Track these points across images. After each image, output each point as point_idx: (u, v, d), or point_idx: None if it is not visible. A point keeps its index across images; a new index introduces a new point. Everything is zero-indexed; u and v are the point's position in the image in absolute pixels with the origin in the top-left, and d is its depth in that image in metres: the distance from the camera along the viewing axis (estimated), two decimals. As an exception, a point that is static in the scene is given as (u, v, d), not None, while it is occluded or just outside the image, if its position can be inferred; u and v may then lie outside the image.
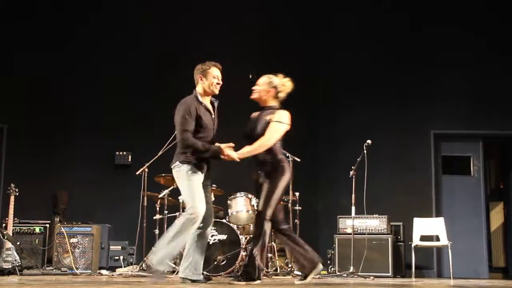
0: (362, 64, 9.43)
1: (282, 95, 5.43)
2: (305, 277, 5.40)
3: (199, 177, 5.25)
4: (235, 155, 5.21)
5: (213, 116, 5.37)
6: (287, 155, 7.25)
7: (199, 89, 5.36)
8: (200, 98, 5.31)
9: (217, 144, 5.28)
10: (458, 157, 9.61)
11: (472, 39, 9.35)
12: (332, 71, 9.49)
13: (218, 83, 5.35)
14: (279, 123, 5.27)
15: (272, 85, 5.39)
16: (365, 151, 7.29)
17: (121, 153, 9.40)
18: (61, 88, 9.42)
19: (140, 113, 9.30)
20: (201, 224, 5.25)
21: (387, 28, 9.51)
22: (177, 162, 5.25)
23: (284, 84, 5.42)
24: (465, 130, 9.39)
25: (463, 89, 9.31)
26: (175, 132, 5.32)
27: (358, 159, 7.30)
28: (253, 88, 5.45)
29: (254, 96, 5.44)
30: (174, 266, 6.99)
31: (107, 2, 9.77)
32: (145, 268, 7.15)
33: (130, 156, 9.38)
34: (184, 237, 5.14)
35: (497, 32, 9.37)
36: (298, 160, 7.37)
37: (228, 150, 5.22)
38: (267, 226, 5.20)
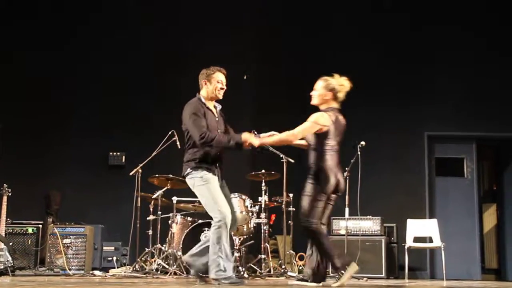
0: (357, 66, 9.40)
1: (341, 95, 5.35)
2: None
3: (215, 179, 5.21)
4: (256, 142, 5.12)
5: (217, 119, 5.35)
6: (281, 156, 7.27)
7: (203, 93, 5.36)
8: (203, 101, 5.31)
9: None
10: (452, 158, 9.63)
11: (469, 41, 9.37)
12: (328, 71, 9.47)
13: (222, 88, 5.35)
14: (310, 122, 5.16)
15: (330, 88, 5.32)
16: (358, 153, 7.30)
17: (115, 153, 9.38)
18: (56, 88, 9.40)
19: (135, 113, 9.29)
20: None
21: (383, 30, 9.51)
22: (189, 170, 5.21)
23: (342, 84, 5.36)
24: (459, 132, 9.41)
25: (457, 91, 9.33)
26: (187, 136, 5.25)
27: (352, 161, 7.31)
28: (311, 93, 5.39)
29: (313, 101, 5.37)
30: (167, 266, 6.99)
31: (107, 2, 9.75)
32: (138, 269, 7.14)
33: (124, 157, 9.37)
34: (224, 242, 5.09)
35: (494, 33, 9.38)
36: (292, 161, 7.37)
37: (249, 137, 5.10)
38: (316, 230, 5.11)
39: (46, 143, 9.27)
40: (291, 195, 7.58)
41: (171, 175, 7.39)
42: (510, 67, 9.30)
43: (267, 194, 7.37)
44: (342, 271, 5.10)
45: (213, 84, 5.32)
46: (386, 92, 9.39)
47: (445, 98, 9.32)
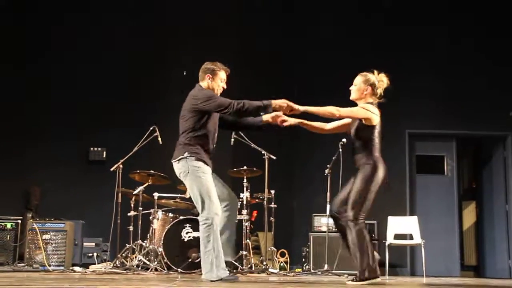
0: (337, 64, 9.45)
1: (380, 91, 5.39)
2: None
3: (209, 171, 5.17)
4: (299, 108, 5.18)
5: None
6: (263, 152, 7.27)
7: (204, 85, 5.36)
8: None
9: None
10: (432, 156, 9.72)
11: (452, 40, 9.46)
12: (307, 70, 9.51)
13: (223, 87, 5.41)
14: (359, 108, 5.24)
15: (369, 83, 5.36)
16: (340, 150, 7.32)
17: (95, 149, 9.32)
18: (35, 84, 9.31)
19: (115, 109, 9.23)
20: (228, 211, 5.31)
21: (362, 28, 9.56)
22: (185, 154, 5.11)
23: (381, 79, 5.39)
24: (439, 130, 9.50)
25: (438, 90, 9.40)
26: (188, 122, 5.19)
27: (333, 158, 7.33)
28: (350, 88, 5.41)
29: (352, 96, 5.40)
30: (148, 263, 6.97)
31: (81, 2, 9.66)
32: (118, 265, 7.11)
33: (104, 152, 9.31)
34: (215, 241, 5.05)
35: (476, 32, 9.47)
36: (274, 158, 7.37)
37: (285, 102, 5.12)
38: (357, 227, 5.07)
39: (26, 139, 9.17)
40: (272, 191, 7.58)
41: (152, 171, 7.36)
42: (492, 66, 9.39)
43: (248, 190, 7.36)
44: (366, 276, 5.05)
45: (217, 82, 5.35)
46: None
47: (426, 96, 9.39)
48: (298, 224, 9.08)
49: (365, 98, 5.38)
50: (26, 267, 7.42)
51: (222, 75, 5.38)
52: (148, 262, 6.99)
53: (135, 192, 7.42)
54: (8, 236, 7.85)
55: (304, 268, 8.01)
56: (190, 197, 7.43)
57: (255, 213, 7.83)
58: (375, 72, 5.42)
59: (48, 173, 9.04)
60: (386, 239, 8.06)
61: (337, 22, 9.61)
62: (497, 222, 9.68)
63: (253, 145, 6.97)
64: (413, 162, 9.56)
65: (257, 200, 7.62)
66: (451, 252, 9.32)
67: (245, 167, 7.37)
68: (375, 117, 5.26)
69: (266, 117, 5.32)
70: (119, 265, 7.13)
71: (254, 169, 7.44)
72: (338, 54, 9.47)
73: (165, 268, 6.85)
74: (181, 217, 7.19)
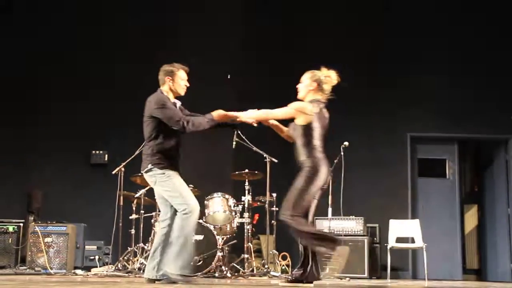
0: (341, 65, 9.43)
1: (327, 87, 5.34)
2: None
3: (176, 174, 5.27)
4: (234, 114, 5.17)
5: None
6: (265, 156, 7.27)
7: (165, 88, 5.42)
8: (166, 95, 5.38)
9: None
10: (434, 159, 9.71)
11: (454, 42, 9.45)
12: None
13: (185, 85, 5.43)
14: (290, 107, 5.17)
15: (315, 79, 5.32)
16: (342, 153, 7.32)
17: (97, 152, 9.33)
18: (37, 86, 9.32)
19: (117, 112, 9.23)
20: (169, 223, 5.26)
21: (366, 30, 9.56)
22: (150, 166, 5.25)
23: (328, 75, 5.36)
24: (441, 133, 9.49)
25: (440, 93, 9.40)
26: (149, 128, 5.34)
27: (335, 161, 7.33)
28: (298, 86, 5.40)
29: (299, 94, 5.36)
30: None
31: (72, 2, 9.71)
32: (120, 268, 7.11)
33: (106, 155, 9.32)
34: (188, 237, 5.13)
35: (478, 35, 9.46)
36: (275, 161, 7.37)
37: (222, 112, 5.17)
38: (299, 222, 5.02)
39: (28, 142, 9.18)
40: (274, 194, 7.57)
41: (154, 174, 7.35)
42: (493, 69, 9.38)
43: (250, 193, 7.36)
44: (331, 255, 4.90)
45: (177, 82, 5.38)
46: (370, 93, 9.43)
47: (428, 99, 9.38)
48: (300, 227, 9.05)
49: (312, 95, 5.31)
50: (28, 270, 7.43)
51: (181, 74, 5.40)
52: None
53: (136, 195, 7.43)
54: (10, 239, 7.86)
55: (305, 271, 7.98)
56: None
57: (256, 216, 7.84)
58: (322, 68, 5.38)
59: (50, 176, 9.05)
60: (388, 243, 8.06)
61: (338, 23, 9.60)
62: (499, 225, 9.66)
63: (254, 148, 6.98)
64: (414, 166, 9.56)
65: (258, 203, 7.62)
66: (453, 255, 9.31)
67: (246, 170, 7.37)
68: (310, 116, 5.14)
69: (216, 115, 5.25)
70: (121, 268, 7.13)
71: (256, 172, 7.44)
72: (339, 55, 9.46)
73: (167, 271, 6.84)
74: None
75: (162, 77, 5.43)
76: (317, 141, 5.15)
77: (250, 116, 5.22)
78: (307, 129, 5.12)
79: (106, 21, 9.53)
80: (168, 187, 5.20)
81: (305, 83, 5.34)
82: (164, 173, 5.20)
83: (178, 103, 5.45)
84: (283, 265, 8.11)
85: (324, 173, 5.10)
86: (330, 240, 4.97)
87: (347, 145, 7.34)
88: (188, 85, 5.45)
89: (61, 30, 9.48)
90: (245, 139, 7.05)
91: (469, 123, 9.34)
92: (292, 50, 9.45)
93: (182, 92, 5.43)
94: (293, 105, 5.17)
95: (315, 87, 5.30)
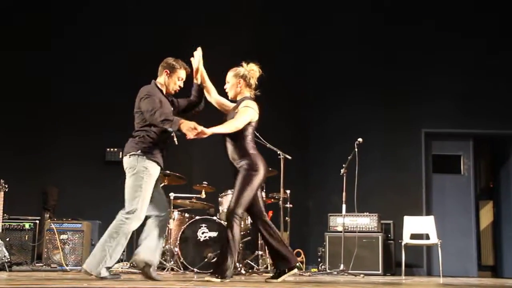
0: (353, 63, 9.44)
1: (253, 81, 5.27)
2: (278, 276, 5.21)
3: (156, 174, 5.05)
4: (204, 129, 4.88)
5: (171, 108, 5.24)
6: (279, 152, 7.26)
7: (160, 80, 5.29)
8: (159, 87, 5.26)
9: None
10: (449, 156, 9.66)
11: (468, 39, 9.38)
12: (323, 70, 9.50)
13: (180, 86, 5.29)
14: (246, 107, 5.08)
15: (240, 76, 5.25)
16: (356, 149, 7.31)
17: (111, 149, 9.37)
18: (53, 85, 9.40)
19: (131, 110, 9.23)
20: (162, 221, 5.13)
21: (378, 27, 9.53)
22: (138, 151, 5.02)
23: (251, 69, 5.29)
24: (456, 129, 9.43)
25: (454, 88, 9.35)
26: (137, 120, 5.25)
27: (349, 157, 7.31)
28: (225, 87, 5.33)
29: (229, 95, 5.31)
30: (165, 262, 7.00)
31: (94, 1, 9.74)
32: (135, 265, 7.14)
33: (121, 153, 9.34)
34: (121, 238, 4.99)
35: (492, 32, 9.40)
36: (289, 157, 7.37)
37: (190, 124, 4.86)
38: (237, 224, 5.01)
39: (43, 139, 9.27)
40: (288, 191, 7.58)
41: (168, 172, 7.37)
42: (507, 65, 9.31)
43: (264, 190, 7.36)
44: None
45: (174, 79, 5.25)
46: (384, 89, 9.41)
47: (442, 95, 9.33)
48: (313, 224, 9.07)
49: (241, 92, 5.24)
50: (44, 266, 7.49)
51: (181, 73, 5.27)
52: (164, 262, 7.03)
53: (151, 192, 7.44)
54: (27, 236, 7.91)
55: (319, 268, 8.00)
56: (205, 197, 7.52)
57: (270, 213, 7.82)
58: (244, 64, 5.29)
59: (66, 173, 9.11)
60: (403, 239, 8.02)
61: (350, 22, 9.57)
62: (515, 222, 9.60)
63: (268, 145, 6.97)
64: (429, 162, 9.51)
65: (272, 200, 7.62)
66: (468, 252, 9.26)
67: (260, 167, 7.35)
68: (255, 115, 5.12)
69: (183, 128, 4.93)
70: (135, 265, 7.16)
71: (270, 169, 7.39)
72: (350, 54, 9.45)
73: (181, 268, 6.88)
74: (197, 217, 7.22)
75: (161, 69, 5.31)
76: (251, 137, 5.14)
77: (212, 130, 4.97)
78: (247, 126, 5.08)
79: (121, 21, 9.57)
80: (137, 183, 4.94)
81: (231, 82, 5.28)
82: (146, 168, 4.97)
83: (170, 98, 5.30)
84: (297, 262, 8.10)
85: (262, 168, 5.07)
86: (232, 258, 4.96)
87: (361, 141, 7.33)
88: (182, 86, 5.31)
89: (77, 28, 9.55)
90: (259, 136, 7.05)
91: (484, 119, 9.28)
92: (303, 52, 9.44)
93: (173, 91, 5.27)
94: (245, 106, 5.08)
95: (242, 84, 5.24)
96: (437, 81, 9.37)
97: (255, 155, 5.10)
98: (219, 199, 7.25)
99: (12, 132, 9.21)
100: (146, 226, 5.15)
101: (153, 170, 5.02)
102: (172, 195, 7.38)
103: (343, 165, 7.42)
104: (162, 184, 7.41)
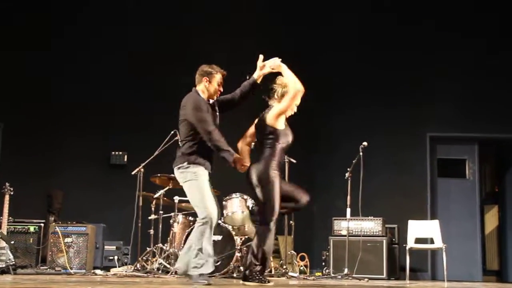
0: (358, 66, 9.44)
1: None
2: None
3: (206, 175, 5.24)
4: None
5: (216, 114, 5.38)
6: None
7: (201, 88, 5.36)
8: (202, 96, 5.34)
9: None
10: (454, 160, 9.63)
11: (471, 41, 9.36)
12: (327, 72, 9.49)
13: (220, 90, 5.40)
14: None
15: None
16: (361, 153, 7.30)
17: (116, 153, 9.39)
18: (57, 87, 9.43)
19: (137, 113, 9.30)
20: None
21: (385, 30, 9.52)
22: (185, 163, 5.20)
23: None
24: (461, 133, 9.41)
25: (459, 92, 9.32)
26: (187, 128, 5.23)
27: (354, 161, 7.30)
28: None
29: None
30: (169, 266, 7.00)
31: (94, 1, 9.77)
32: (139, 269, 7.15)
33: (125, 156, 9.38)
34: (205, 242, 5.12)
35: (496, 34, 9.38)
36: (294, 161, 7.37)
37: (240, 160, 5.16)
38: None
39: (48, 142, 9.29)
40: (292, 195, 7.55)
41: (173, 175, 7.35)
42: (510, 65, 9.28)
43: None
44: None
45: (214, 85, 5.34)
46: (389, 93, 9.39)
47: (447, 99, 9.31)
48: (318, 228, 9.06)
49: None
50: (48, 269, 7.50)
51: (219, 78, 5.36)
52: (168, 266, 7.02)
53: (155, 195, 7.46)
54: (31, 239, 7.94)
55: (324, 272, 7.98)
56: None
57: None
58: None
59: (70, 177, 9.12)
60: (407, 243, 8.00)
61: (357, 24, 9.56)
62: (520, 226, 9.58)
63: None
64: (434, 166, 9.49)
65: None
66: (473, 256, 9.22)
67: (265, 171, 7.35)
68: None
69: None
70: (139, 268, 7.17)
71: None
72: (358, 56, 9.44)
73: (186, 272, 6.86)
74: (201, 221, 7.20)
75: (199, 77, 5.38)
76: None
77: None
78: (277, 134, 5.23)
79: (121, 21, 9.60)
80: (193, 188, 5.18)
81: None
82: (194, 172, 5.17)
83: (211, 101, 5.43)
84: (301, 266, 8.11)
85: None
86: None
87: (366, 145, 7.32)
88: (222, 90, 5.42)
89: (77, 28, 9.58)
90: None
91: (490, 123, 9.25)
92: (303, 52, 9.44)
93: (215, 96, 5.39)
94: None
95: None
96: (442, 84, 9.34)
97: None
98: (224, 202, 7.24)
99: (18, 134, 9.23)
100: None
101: (201, 172, 5.20)
102: (176, 198, 7.38)
103: (348, 169, 7.41)
104: (167, 188, 7.43)
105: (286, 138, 5.21)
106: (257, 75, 5.43)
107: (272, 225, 5.05)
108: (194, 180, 5.18)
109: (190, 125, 5.22)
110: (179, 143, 5.43)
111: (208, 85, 5.34)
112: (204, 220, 5.11)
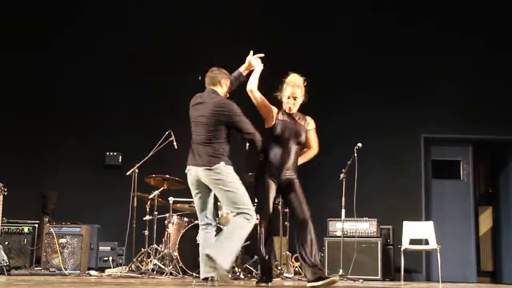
0: (353, 67, 9.44)
1: None
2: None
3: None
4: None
5: None
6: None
7: (220, 90, 5.35)
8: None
9: None
10: (448, 161, 9.65)
11: (468, 42, 9.38)
12: (322, 73, 9.48)
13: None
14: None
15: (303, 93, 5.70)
16: (355, 154, 7.30)
17: (111, 153, 9.38)
18: (52, 88, 9.41)
19: (131, 113, 9.28)
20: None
21: (380, 31, 9.53)
22: (222, 163, 5.13)
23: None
24: (455, 135, 9.43)
25: (454, 94, 9.34)
26: (216, 128, 5.16)
27: (348, 162, 7.31)
28: (293, 103, 5.59)
29: (293, 111, 5.66)
30: (163, 267, 6.99)
31: (94, 1, 9.76)
32: (134, 270, 7.15)
33: (120, 157, 9.37)
34: (242, 237, 5.19)
35: (493, 35, 9.40)
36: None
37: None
38: None
39: (42, 143, 9.26)
40: (287, 196, 7.55)
41: (167, 176, 7.38)
42: (509, 70, 9.31)
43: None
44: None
45: (226, 90, 5.37)
46: (383, 93, 9.40)
47: (442, 100, 9.33)
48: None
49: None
50: (42, 270, 7.49)
51: (229, 84, 5.42)
52: (163, 266, 7.02)
53: (150, 196, 7.46)
54: (25, 240, 7.92)
55: (319, 273, 7.96)
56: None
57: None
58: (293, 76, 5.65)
59: (65, 177, 9.10)
60: (402, 244, 8.03)
61: (352, 25, 9.57)
62: (514, 227, 9.59)
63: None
64: (428, 167, 9.51)
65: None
66: (467, 257, 9.24)
67: (260, 172, 7.34)
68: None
69: None
70: (134, 269, 7.16)
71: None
72: (353, 56, 9.45)
73: (180, 272, 6.87)
74: (196, 222, 7.18)
75: (219, 79, 5.32)
76: None
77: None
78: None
79: (121, 21, 9.59)
80: (233, 184, 5.17)
81: (301, 99, 5.62)
82: (231, 173, 5.19)
83: None
84: (296, 267, 8.10)
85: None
86: None
87: (360, 146, 7.32)
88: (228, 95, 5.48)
89: (77, 30, 9.56)
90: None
91: (484, 125, 9.27)
92: (303, 52, 9.44)
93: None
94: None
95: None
96: (437, 85, 9.36)
97: None
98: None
99: (12, 134, 9.20)
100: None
101: (232, 171, 5.23)
102: (171, 199, 7.38)
103: (343, 170, 7.41)
104: (162, 188, 7.42)
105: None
106: (243, 68, 5.51)
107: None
108: (235, 181, 5.18)
109: (227, 127, 5.18)
110: (199, 143, 5.22)
111: (226, 89, 5.37)
112: (249, 215, 5.17)
